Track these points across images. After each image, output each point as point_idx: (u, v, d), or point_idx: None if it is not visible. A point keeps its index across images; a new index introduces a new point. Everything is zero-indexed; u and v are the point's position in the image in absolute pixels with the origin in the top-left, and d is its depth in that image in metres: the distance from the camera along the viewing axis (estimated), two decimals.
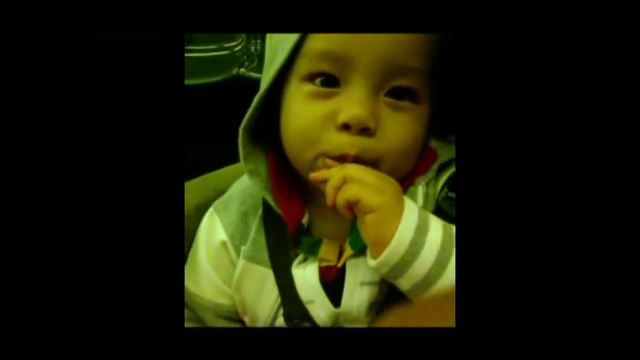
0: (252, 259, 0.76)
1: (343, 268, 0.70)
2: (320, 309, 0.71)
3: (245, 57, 1.77)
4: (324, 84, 0.66)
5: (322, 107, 0.66)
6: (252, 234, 0.76)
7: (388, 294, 0.69)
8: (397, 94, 0.66)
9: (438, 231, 0.63)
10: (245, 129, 0.71)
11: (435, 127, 0.72)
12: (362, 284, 0.70)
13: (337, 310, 0.71)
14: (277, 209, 0.73)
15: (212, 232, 0.79)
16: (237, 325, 0.82)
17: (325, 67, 0.66)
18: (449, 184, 0.69)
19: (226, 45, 1.77)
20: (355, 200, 0.63)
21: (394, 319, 0.59)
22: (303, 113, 0.67)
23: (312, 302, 0.72)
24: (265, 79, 0.70)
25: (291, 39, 0.67)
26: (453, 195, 0.68)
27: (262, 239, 0.76)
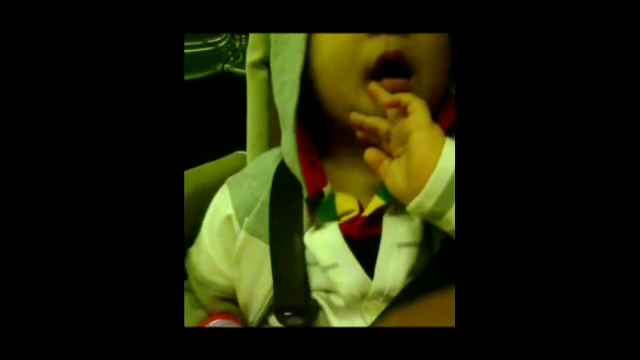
0: (253, 232, 0.72)
1: (377, 227, 0.66)
2: (346, 275, 0.66)
3: (230, 53, 1.77)
4: None
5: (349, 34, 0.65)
6: (258, 206, 0.73)
7: (428, 261, 0.65)
8: None
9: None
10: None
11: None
12: (401, 245, 0.65)
13: (369, 278, 0.65)
14: (301, 178, 0.70)
15: (220, 207, 0.77)
16: (228, 306, 0.79)
17: None
18: None
19: (210, 41, 1.77)
20: (407, 103, 0.61)
21: (395, 320, 0.60)
22: (330, 40, 0.66)
23: (335, 266, 0.66)
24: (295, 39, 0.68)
25: None
26: None
27: (267, 212, 0.72)
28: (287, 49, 0.70)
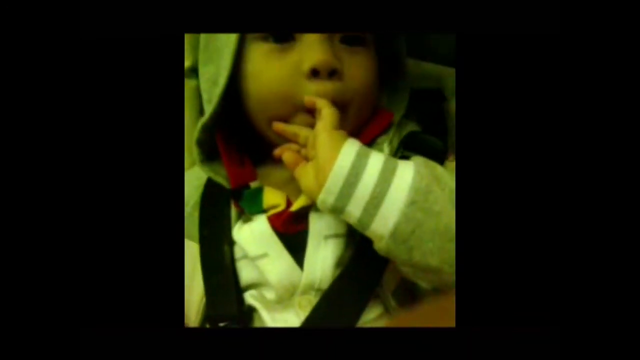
0: (185, 234, 0.73)
1: (304, 223, 0.68)
2: (275, 263, 0.67)
3: None
4: (278, 40, 0.68)
5: (284, 62, 0.68)
6: (188, 209, 0.75)
7: (355, 251, 0.67)
8: (349, 40, 0.69)
9: (379, 156, 0.62)
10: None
11: (383, 81, 0.75)
12: (327, 237, 0.67)
13: (298, 268, 0.67)
14: (221, 180, 0.73)
15: None
16: None
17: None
18: (404, 143, 0.71)
19: None
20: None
21: (395, 322, 0.60)
22: (267, 70, 0.68)
23: (264, 256, 0.68)
24: (226, 46, 0.69)
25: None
26: (408, 154, 0.68)
27: (196, 214, 0.75)
28: (218, 61, 0.71)
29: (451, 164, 0.68)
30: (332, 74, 0.67)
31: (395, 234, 0.58)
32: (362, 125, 0.72)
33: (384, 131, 0.73)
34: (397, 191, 0.58)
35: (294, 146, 0.69)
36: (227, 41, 0.69)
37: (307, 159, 0.67)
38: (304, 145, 0.68)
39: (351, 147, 0.61)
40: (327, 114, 0.64)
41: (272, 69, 0.68)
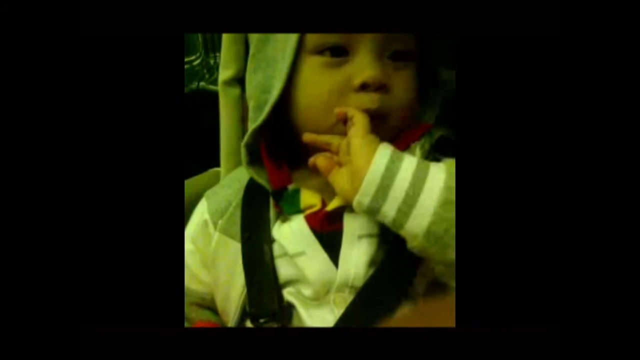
0: (226, 231, 0.77)
1: (339, 223, 0.71)
2: (312, 261, 0.71)
3: (205, 71, 1.78)
4: (334, 54, 0.72)
5: (337, 75, 0.71)
6: (230, 209, 0.79)
7: (388, 251, 0.69)
8: (397, 56, 0.73)
9: (412, 158, 0.65)
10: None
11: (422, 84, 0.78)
12: (361, 237, 0.70)
13: (334, 266, 0.70)
14: (263, 182, 0.76)
15: (197, 215, 0.82)
16: (209, 314, 0.83)
17: (333, 38, 0.71)
18: (436, 146, 0.74)
19: (185, 59, 1.77)
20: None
21: (396, 321, 0.60)
22: (320, 82, 0.72)
23: (302, 253, 0.71)
24: (282, 61, 0.72)
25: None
26: (440, 157, 0.72)
27: (239, 213, 0.78)
28: (269, 70, 0.75)
29: None
30: (380, 88, 0.71)
31: (429, 233, 0.61)
32: (400, 134, 0.75)
33: (418, 139, 0.76)
34: (430, 191, 0.61)
35: (327, 154, 0.72)
36: (282, 51, 0.72)
37: (340, 165, 0.69)
38: (337, 153, 0.71)
39: (385, 151, 0.65)
40: (358, 120, 0.68)
41: (325, 81, 0.72)
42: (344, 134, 0.70)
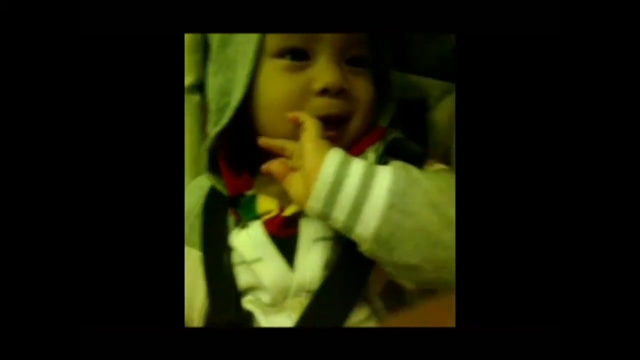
0: (188, 241, 0.76)
1: (295, 227, 0.71)
2: (268, 267, 0.70)
3: None
4: (295, 57, 0.72)
5: (297, 78, 0.72)
6: (191, 218, 0.79)
7: (342, 253, 0.69)
8: (354, 61, 0.74)
9: (360, 162, 0.65)
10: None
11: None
12: (316, 240, 0.70)
13: (290, 270, 0.70)
14: (222, 188, 0.77)
15: None
16: None
17: (294, 41, 0.71)
18: (388, 149, 0.75)
19: None
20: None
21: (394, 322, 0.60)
22: (280, 85, 0.72)
23: (259, 259, 0.71)
24: (243, 64, 0.73)
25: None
26: (390, 160, 0.71)
27: (199, 222, 0.78)
28: (229, 73, 0.75)
29: (430, 167, 0.74)
30: (340, 93, 0.72)
31: (377, 236, 0.61)
32: (358, 138, 0.76)
33: (373, 143, 0.77)
34: (376, 196, 0.61)
35: (282, 159, 0.72)
36: (243, 54, 0.72)
37: (294, 170, 0.69)
38: (291, 157, 0.70)
39: (334, 156, 0.65)
40: (309, 125, 0.68)
41: (285, 84, 0.72)
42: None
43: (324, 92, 0.71)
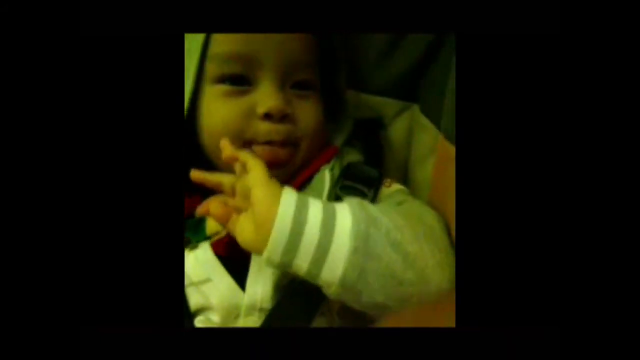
0: None
1: (244, 251, 0.68)
2: (217, 287, 0.70)
3: None
4: (234, 83, 0.73)
5: (239, 103, 0.72)
6: None
7: (294, 277, 0.67)
8: (299, 85, 0.76)
9: (317, 204, 0.63)
10: None
11: (326, 114, 0.80)
12: None
13: (240, 290, 0.69)
14: None
15: None
16: None
17: (233, 68, 0.72)
18: (345, 172, 0.76)
19: None
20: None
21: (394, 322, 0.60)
22: (222, 109, 0.72)
23: (207, 280, 0.70)
24: (185, 89, 0.73)
25: (196, 44, 0.71)
26: (348, 183, 0.74)
27: None
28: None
29: (387, 190, 0.75)
30: (284, 117, 0.72)
31: (343, 281, 0.59)
32: (310, 158, 0.77)
33: (328, 161, 0.78)
34: (339, 240, 0.60)
35: (220, 198, 0.70)
36: (186, 79, 0.73)
37: (238, 211, 0.67)
38: (231, 194, 0.69)
39: (289, 199, 0.62)
40: (256, 167, 0.65)
41: (225, 109, 0.72)
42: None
43: (267, 116, 0.71)
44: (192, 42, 0.72)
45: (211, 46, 0.72)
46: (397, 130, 0.88)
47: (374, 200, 0.74)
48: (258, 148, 0.72)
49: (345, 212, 0.61)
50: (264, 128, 0.72)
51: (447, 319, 0.54)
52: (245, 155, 0.67)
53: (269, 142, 0.72)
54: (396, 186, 0.77)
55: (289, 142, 0.74)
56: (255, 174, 0.64)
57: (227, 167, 0.71)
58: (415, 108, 0.86)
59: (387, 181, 0.77)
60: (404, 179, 0.86)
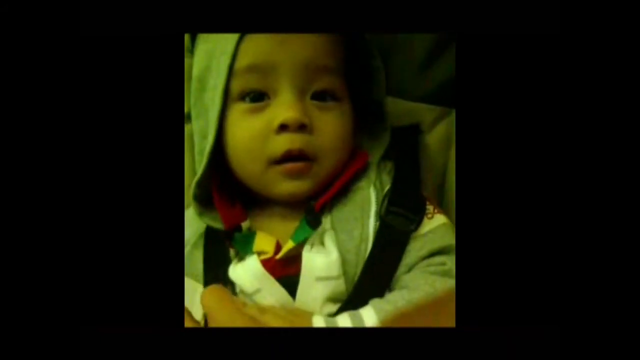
0: (186, 272, 0.75)
1: (293, 267, 0.70)
2: (270, 295, 0.70)
3: None
4: (254, 99, 0.72)
5: (258, 120, 0.72)
6: (188, 248, 0.78)
7: (351, 289, 0.69)
8: (320, 96, 0.73)
9: (345, 318, 0.64)
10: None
11: (362, 123, 0.79)
12: (319, 279, 0.69)
13: (291, 298, 0.69)
14: (217, 225, 0.75)
15: None
16: None
17: (253, 83, 0.72)
18: (389, 197, 0.73)
19: None
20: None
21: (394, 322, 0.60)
22: (243, 129, 0.72)
23: (258, 291, 0.70)
24: (212, 109, 0.73)
25: (224, 62, 0.71)
26: (394, 209, 0.72)
27: (198, 254, 0.77)
28: (206, 118, 0.75)
29: (428, 222, 0.72)
30: (301, 128, 0.71)
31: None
32: (339, 169, 0.75)
33: (362, 171, 0.76)
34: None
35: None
36: (213, 100, 0.73)
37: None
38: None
39: (318, 321, 0.63)
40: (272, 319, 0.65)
41: (247, 126, 0.72)
42: (274, 178, 0.72)
43: (283, 127, 0.70)
44: (220, 60, 0.72)
45: (235, 63, 0.71)
46: (436, 136, 0.86)
47: (416, 229, 0.71)
48: (278, 169, 0.72)
49: (371, 314, 0.63)
50: (280, 139, 0.71)
51: (447, 319, 0.54)
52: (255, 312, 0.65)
53: (287, 157, 0.71)
54: (438, 219, 0.73)
55: (306, 155, 0.72)
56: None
57: (256, 185, 0.74)
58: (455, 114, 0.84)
59: (430, 209, 0.74)
60: (442, 186, 0.84)
